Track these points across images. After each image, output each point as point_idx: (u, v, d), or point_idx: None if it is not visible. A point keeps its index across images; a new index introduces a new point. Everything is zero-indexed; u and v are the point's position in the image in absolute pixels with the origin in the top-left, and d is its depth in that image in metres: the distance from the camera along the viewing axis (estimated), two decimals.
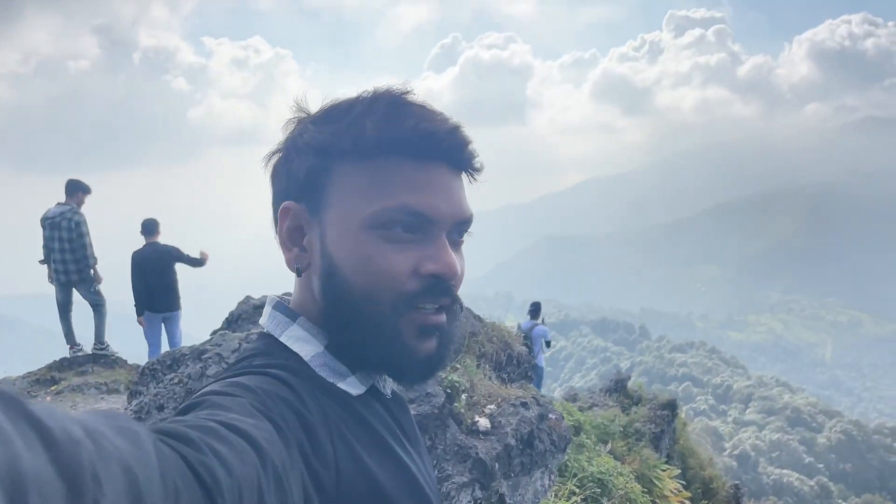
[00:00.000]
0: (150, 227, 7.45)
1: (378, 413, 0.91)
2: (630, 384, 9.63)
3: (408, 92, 0.89)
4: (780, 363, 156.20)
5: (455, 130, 0.88)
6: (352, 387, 0.89)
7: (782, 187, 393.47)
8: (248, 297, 6.97)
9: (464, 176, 0.93)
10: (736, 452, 53.07)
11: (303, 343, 0.90)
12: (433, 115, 0.88)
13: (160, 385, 5.13)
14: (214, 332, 6.50)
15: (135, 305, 7.38)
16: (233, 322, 6.67)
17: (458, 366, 4.04)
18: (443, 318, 0.89)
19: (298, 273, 0.93)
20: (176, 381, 5.10)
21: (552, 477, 4.78)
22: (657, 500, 6.14)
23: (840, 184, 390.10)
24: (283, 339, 0.91)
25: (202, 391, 0.76)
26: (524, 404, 4.59)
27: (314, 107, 0.92)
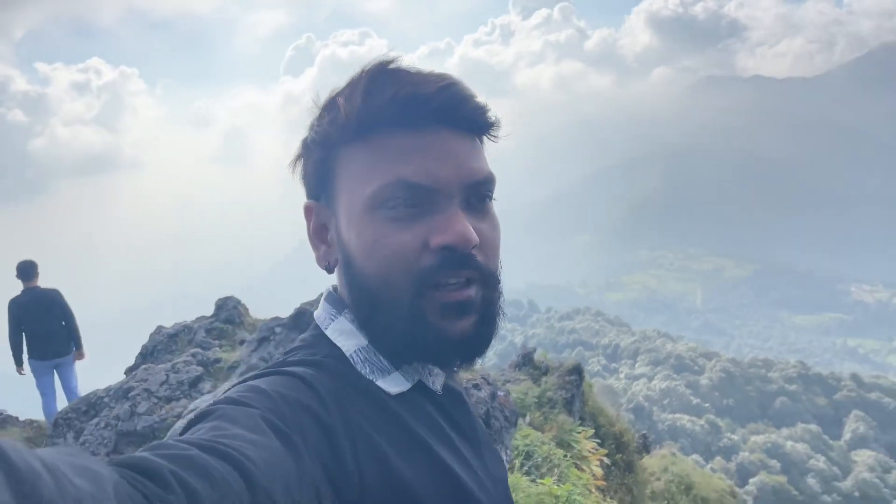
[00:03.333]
0: (27, 271, 6.94)
1: (423, 411, 0.87)
2: (536, 356, 10.19)
3: (390, 61, 0.85)
4: (659, 315, 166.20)
5: (445, 89, 0.83)
6: (394, 383, 0.86)
7: (641, 150, 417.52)
8: (159, 328, 7.00)
9: (473, 136, 0.88)
10: (631, 406, 56.10)
11: (346, 337, 0.88)
12: (417, 77, 0.83)
13: (85, 433, 5.10)
14: (130, 369, 6.51)
15: (13, 356, 6.88)
16: (148, 355, 6.68)
17: None
18: (471, 292, 0.83)
19: (328, 270, 0.92)
20: (102, 424, 5.09)
21: (508, 452, 5.00)
22: (578, 462, 6.55)
23: (690, 141, 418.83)
24: (328, 332, 0.90)
25: (222, 396, 0.74)
26: (476, 385, 4.81)
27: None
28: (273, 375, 0.79)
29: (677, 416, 53.83)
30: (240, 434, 0.64)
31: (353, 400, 0.80)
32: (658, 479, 9.65)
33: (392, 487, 0.75)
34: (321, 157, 0.88)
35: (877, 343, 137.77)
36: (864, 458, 44.17)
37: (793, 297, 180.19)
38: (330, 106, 0.87)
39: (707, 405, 57.25)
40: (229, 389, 0.77)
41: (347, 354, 0.86)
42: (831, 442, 47.94)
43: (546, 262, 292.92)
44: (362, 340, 0.87)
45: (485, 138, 0.92)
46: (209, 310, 7.94)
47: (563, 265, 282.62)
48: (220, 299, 7.60)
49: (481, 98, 0.87)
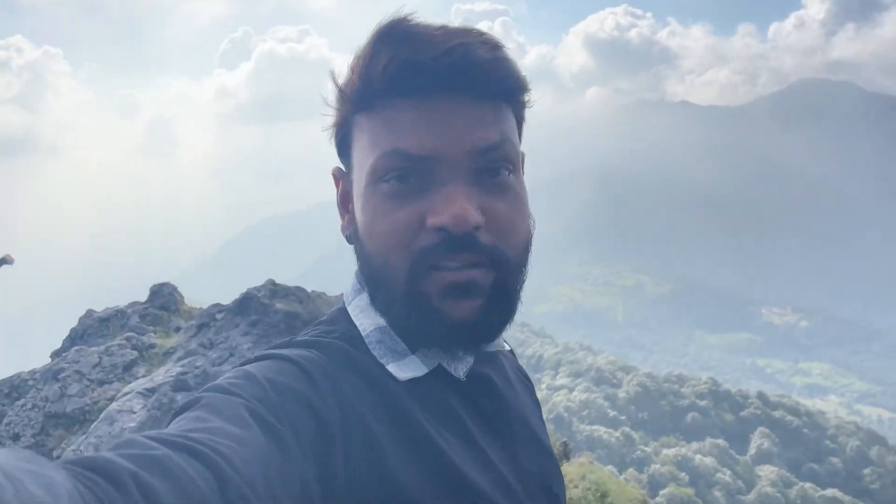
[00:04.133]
0: None
1: (436, 400, 0.81)
2: None
3: (401, 18, 0.77)
4: (582, 328, 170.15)
5: (449, 53, 0.75)
6: (407, 368, 0.81)
7: (573, 167, 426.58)
8: (90, 311, 6.94)
9: (491, 102, 0.80)
10: (552, 416, 57.13)
11: (366, 315, 0.84)
12: (422, 39, 0.75)
13: (9, 415, 5.06)
14: (58, 352, 6.45)
15: None
16: (78, 339, 6.62)
17: None
18: (475, 273, 0.76)
19: (348, 240, 0.88)
20: (30, 406, 5.07)
21: None
22: None
23: (620, 160, 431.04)
24: (350, 307, 0.87)
25: (213, 383, 0.71)
26: None
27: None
28: (268, 360, 0.75)
29: (595, 427, 55.06)
30: (219, 427, 0.61)
31: (355, 386, 0.76)
32: (576, 487, 9.96)
33: (384, 483, 0.71)
34: (339, 125, 0.85)
35: (783, 364, 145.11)
36: (767, 473, 46.29)
37: (708, 316, 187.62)
38: (347, 71, 0.82)
39: (623, 418, 58.76)
40: (231, 370, 0.74)
41: (363, 333, 0.83)
42: (737, 456, 50.02)
43: None
44: (380, 320, 0.83)
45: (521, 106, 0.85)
46: (123, 302, 7.68)
47: None
48: (155, 285, 7.47)
49: (506, 59, 0.79)
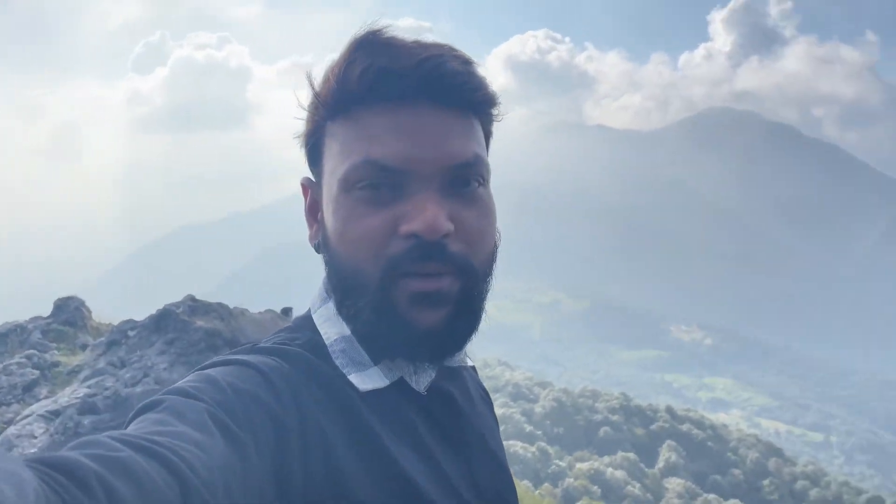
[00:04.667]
0: None
1: (394, 412, 0.81)
2: None
3: (378, 29, 0.79)
4: (500, 344, 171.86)
5: (425, 62, 0.76)
6: (368, 379, 0.81)
7: (494, 184, 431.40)
8: None
9: (463, 113, 0.81)
10: None
11: (331, 324, 0.84)
12: (398, 50, 0.77)
13: None
14: None
15: None
16: None
17: None
18: (443, 283, 0.77)
19: (317, 249, 0.87)
20: None
21: None
22: None
23: (539, 179, 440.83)
24: (315, 316, 0.87)
25: (176, 384, 0.70)
26: None
27: None
28: (230, 365, 0.74)
29: (512, 442, 55.59)
30: (182, 432, 0.61)
31: (316, 396, 0.75)
32: None
33: (338, 493, 0.71)
34: (310, 133, 0.85)
35: (689, 379, 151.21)
36: (674, 485, 47.83)
37: (620, 333, 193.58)
38: (322, 78, 0.82)
39: (539, 432, 59.58)
40: (192, 372, 0.73)
41: (327, 343, 0.83)
42: (646, 470, 51.54)
43: None
44: (345, 329, 0.83)
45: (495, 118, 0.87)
46: (21, 315, 7.22)
47: None
48: (59, 299, 7.00)
49: (476, 73, 0.81)
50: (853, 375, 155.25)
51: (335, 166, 0.80)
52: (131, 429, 0.62)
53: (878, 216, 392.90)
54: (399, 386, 0.83)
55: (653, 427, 58.45)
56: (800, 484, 46.13)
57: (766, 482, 47.04)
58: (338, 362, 0.81)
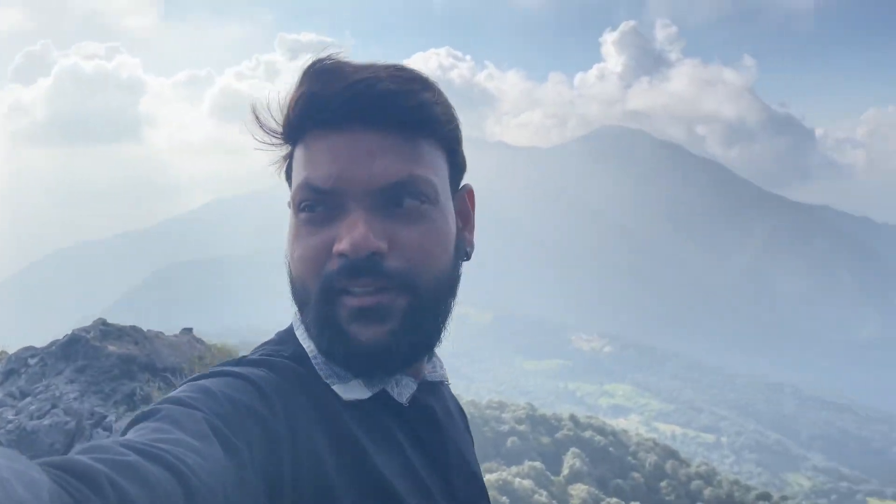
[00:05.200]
0: None
1: (377, 423, 0.84)
2: None
3: (321, 59, 0.82)
4: None
5: (354, 85, 0.78)
6: (352, 391, 0.83)
7: None
8: None
9: (404, 134, 0.82)
10: None
11: (308, 337, 0.87)
12: (332, 74, 0.80)
13: None
14: None
15: None
16: None
17: None
18: (381, 298, 0.79)
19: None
20: None
21: None
22: None
23: None
24: (297, 331, 0.89)
25: (170, 394, 0.72)
26: None
27: None
28: (223, 377, 0.76)
29: None
30: (182, 440, 0.62)
31: (304, 405, 0.78)
32: None
33: (324, 502, 0.73)
34: (284, 157, 0.89)
35: (591, 387, 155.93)
36: (578, 491, 49.05)
37: (525, 344, 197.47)
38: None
39: None
40: (183, 383, 0.75)
41: (310, 355, 0.85)
42: (552, 477, 52.62)
43: None
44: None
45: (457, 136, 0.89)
46: None
47: None
48: None
49: (416, 90, 0.82)
50: (740, 379, 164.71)
51: (291, 188, 0.85)
52: (130, 436, 0.63)
53: (758, 228, 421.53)
54: (381, 399, 0.86)
55: (557, 435, 59.80)
56: (694, 484, 48.50)
57: (663, 484, 49.14)
58: (321, 373, 0.83)
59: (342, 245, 0.77)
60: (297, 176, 0.82)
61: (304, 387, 0.80)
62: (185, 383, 0.76)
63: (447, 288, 0.86)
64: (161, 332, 5.28)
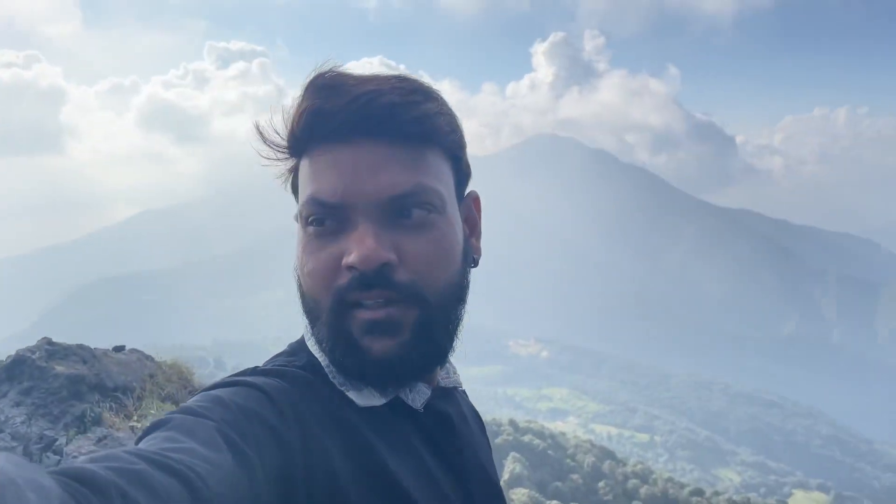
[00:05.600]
0: None
1: (394, 430, 0.84)
2: None
3: (324, 73, 0.83)
4: None
5: (357, 99, 0.79)
6: (367, 397, 0.84)
7: None
8: None
9: (407, 146, 0.83)
10: None
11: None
12: (336, 89, 0.81)
13: None
14: None
15: None
16: None
17: (151, 413, 4.11)
18: (391, 311, 0.80)
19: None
20: None
21: None
22: None
23: None
24: (309, 343, 0.89)
25: (183, 404, 0.73)
26: None
27: None
28: (235, 386, 0.77)
29: None
30: (193, 449, 0.62)
31: (317, 414, 0.78)
32: None
33: None
34: (290, 170, 0.89)
35: (529, 391, 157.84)
36: (519, 496, 49.59)
37: (467, 351, 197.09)
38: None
39: None
40: (197, 393, 0.76)
41: (323, 364, 0.86)
42: None
43: (235, 319, 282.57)
44: None
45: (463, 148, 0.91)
46: None
47: (253, 321, 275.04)
48: None
49: (420, 102, 0.83)
50: (672, 378, 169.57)
51: (299, 203, 0.85)
52: (141, 445, 0.64)
53: (685, 232, 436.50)
54: (396, 406, 0.86)
55: (497, 440, 60.31)
56: (631, 483, 49.72)
57: (601, 484, 50.17)
58: (335, 381, 0.84)
59: (351, 258, 0.78)
60: (304, 191, 0.83)
61: (316, 395, 0.81)
62: (198, 393, 0.76)
63: (457, 297, 0.87)
64: (109, 350, 5.16)
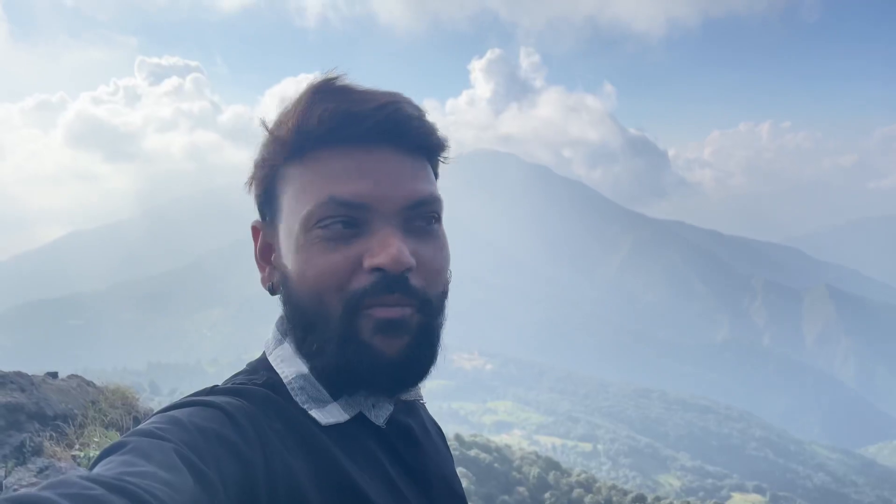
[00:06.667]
0: None
1: (359, 446, 0.84)
2: None
3: (334, 77, 0.84)
4: None
5: (384, 107, 0.81)
6: (330, 414, 0.83)
7: None
8: None
9: (418, 156, 0.86)
10: None
11: (288, 363, 0.86)
12: (357, 95, 0.82)
13: None
14: None
15: None
16: None
17: (94, 441, 3.98)
18: (404, 311, 0.81)
19: (271, 291, 0.89)
20: None
21: None
22: None
23: None
24: (270, 357, 0.88)
25: (139, 426, 0.70)
26: None
27: None
28: (193, 406, 0.75)
29: None
30: (151, 472, 0.61)
31: (279, 432, 0.77)
32: None
33: None
34: (264, 176, 0.87)
35: (474, 405, 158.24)
36: None
37: None
38: (275, 124, 0.86)
39: None
40: (153, 415, 0.74)
41: (286, 381, 0.84)
42: None
43: (170, 340, 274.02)
44: (302, 367, 0.85)
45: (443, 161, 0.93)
46: None
47: (189, 342, 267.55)
48: None
49: (430, 118, 0.87)
50: (611, 387, 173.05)
51: (294, 207, 0.82)
52: (97, 470, 0.62)
53: (621, 243, 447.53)
54: (359, 421, 0.86)
55: None
56: (576, 492, 50.29)
57: (547, 495, 50.61)
58: (297, 399, 0.83)
59: (379, 259, 0.78)
60: (315, 192, 0.81)
61: (279, 413, 0.79)
62: (154, 415, 0.74)
63: (445, 307, 0.89)
64: (48, 377, 4.98)
